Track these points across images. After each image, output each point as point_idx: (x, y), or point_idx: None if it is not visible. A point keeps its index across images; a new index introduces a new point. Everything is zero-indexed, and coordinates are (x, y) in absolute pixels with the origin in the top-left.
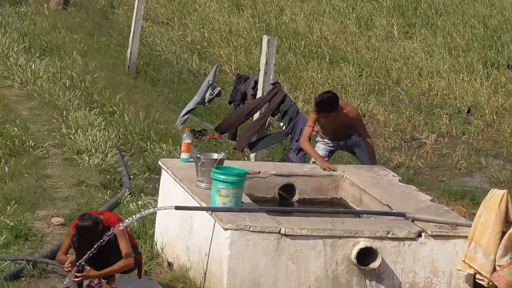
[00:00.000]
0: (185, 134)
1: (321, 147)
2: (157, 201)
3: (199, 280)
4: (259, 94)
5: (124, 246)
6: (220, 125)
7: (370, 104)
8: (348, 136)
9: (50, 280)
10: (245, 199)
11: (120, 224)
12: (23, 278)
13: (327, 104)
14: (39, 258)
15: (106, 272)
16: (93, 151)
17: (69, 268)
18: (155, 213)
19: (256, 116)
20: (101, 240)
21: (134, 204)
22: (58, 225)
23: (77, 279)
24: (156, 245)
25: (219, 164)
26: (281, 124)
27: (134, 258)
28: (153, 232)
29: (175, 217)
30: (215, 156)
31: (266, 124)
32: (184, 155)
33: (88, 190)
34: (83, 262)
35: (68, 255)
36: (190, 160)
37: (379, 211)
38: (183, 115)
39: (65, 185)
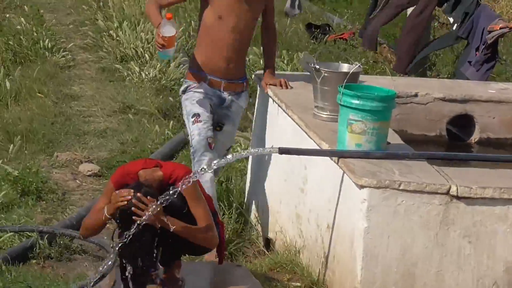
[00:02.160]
0: (163, 21)
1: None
2: (249, 140)
3: (316, 268)
4: None
5: (201, 212)
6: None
7: None
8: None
9: (75, 264)
10: (393, 138)
11: (189, 178)
12: (34, 260)
13: None
14: (59, 228)
15: (188, 229)
16: (147, 58)
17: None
18: (248, 158)
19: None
20: (162, 199)
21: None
22: (89, 175)
23: (145, 212)
24: (247, 211)
25: (351, 81)
26: (451, 19)
27: (217, 236)
28: (243, 190)
29: (278, 165)
30: (345, 67)
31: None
32: (164, 51)
33: (139, 120)
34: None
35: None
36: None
37: None
38: None
39: (101, 111)
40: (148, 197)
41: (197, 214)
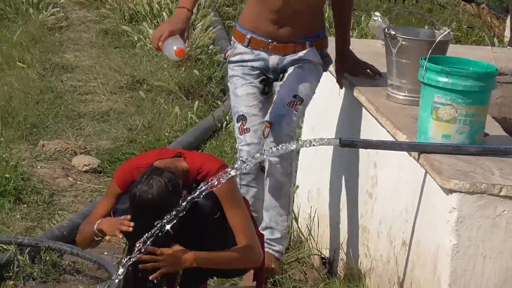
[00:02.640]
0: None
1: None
2: (300, 128)
3: None
4: None
5: (241, 222)
6: None
7: None
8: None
9: (68, 286)
10: (492, 128)
11: (227, 170)
12: (10, 281)
13: None
14: (45, 240)
15: (217, 258)
16: (165, 16)
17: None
18: (298, 151)
19: None
20: (177, 210)
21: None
22: (86, 171)
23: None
24: (296, 220)
25: (437, 52)
26: None
27: (261, 252)
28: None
29: (338, 162)
30: (430, 35)
31: None
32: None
33: (153, 99)
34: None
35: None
36: None
37: None
38: None
39: (103, 87)
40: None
41: (236, 225)
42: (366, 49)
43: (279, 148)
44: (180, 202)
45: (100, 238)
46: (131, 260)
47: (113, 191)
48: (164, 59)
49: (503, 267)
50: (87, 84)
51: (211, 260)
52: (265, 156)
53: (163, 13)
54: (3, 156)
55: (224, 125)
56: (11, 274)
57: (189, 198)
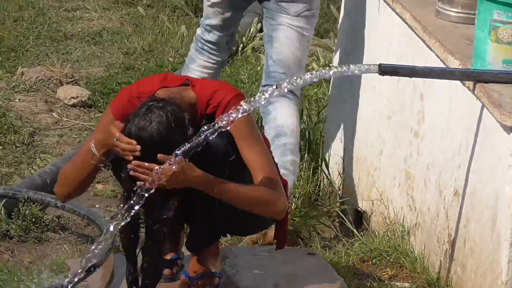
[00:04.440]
0: None
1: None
2: (332, 51)
3: (437, 259)
4: None
5: (259, 161)
6: None
7: None
8: None
9: (49, 247)
10: None
11: (242, 103)
12: None
13: None
14: (24, 190)
15: (230, 189)
16: None
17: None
18: (329, 82)
19: None
20: (190, 143)
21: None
22: (73, 105)
23: (164, 171)
24: (326, 165)
25: None
26: None
27: (284, 198)
28: (320, 132)
29: (377, 94)
30: None
31: None
32: None
33: (154, 16)
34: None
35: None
36: None
37: None
38: None
39: (94, 3)
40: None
41: (253, 162)
42: None
43: (312, 74)
44: (189, 141)
45: (96, 168)
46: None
47: (107, 122)
48: None
49: None
50: None
51: (226, 188)
52: (292, 86)
53: None
54: None
55: (240, 48)
56: None
57: (202, 136)
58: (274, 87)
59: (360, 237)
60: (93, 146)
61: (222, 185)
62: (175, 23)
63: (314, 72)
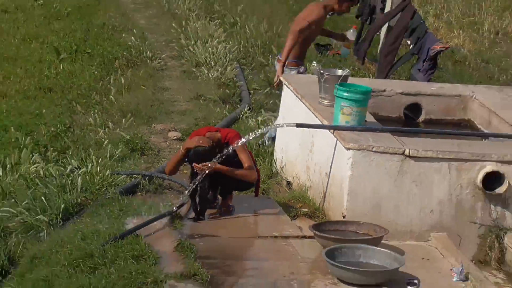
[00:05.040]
0: (351, 31)
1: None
2: (277, 118)
3: (318, 200)
4: (387, 8)
5: (245, 159)
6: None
7: (504, 21)
8: None
9: (165, 196)
10: (369, 118)
11: (239, 140)
12: (139, 193)
13: None
14: (155, 173)
15: (231, 170)
16: (212, 64)
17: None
18: (275, 130)
19: (383, 31)
20: (219, 155)
21: (254, 120)
22: (174, 139)
23: (204, 168)
24: (275, 163)
25: (343, 81)
26: (408, 42)
27: (255, 173)
28: (273, 150)
29: (295, 135)
30: (339, 72)
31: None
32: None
33: (206, 104)
34: (199, 181)
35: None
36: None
37: (508, 134)
38: None
39: (183, 98)
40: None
41: (243, 159)
42: (310, 79)
43: (265, 128)
44: (223, 151)
45: (183, 159)
46: (196, 181)
47: (187, 141)
48: (212, 84)
49: (373, 186)
50: (175, 96)
51: (232, 171)
52: (256, 135)
53: (212, 61)
54: (135, 132)
55: (239, 117)
56: (139, 190)
57: (224, 154)
58: (252, 134)
59: (288, 192)
60: (181, 149)
61: (230, 169)
62: (214, 107)
63: (270, 126)
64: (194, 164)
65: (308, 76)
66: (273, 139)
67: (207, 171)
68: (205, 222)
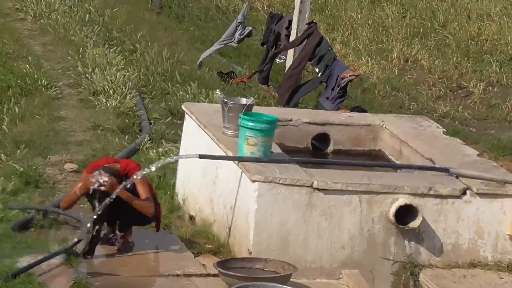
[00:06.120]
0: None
1: None
2: (179, 149)
3: (223, 235)
4: (293, 35)
5: (143, 192)
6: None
7: (413, 48)
8: None
9: (61, 232)
10: (275, 148)
11: (139, 172)
12: (32, 229)
13: None
14: (50, 207)
15: (131, 198)
16: (111, 92)
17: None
18: (177, 161)
19: (289, 58)
20: (120, 186)
21: (154, 151)
22: (71, 171)
23: (104, 182)
24: (177, 196)
25: (247, 110)
26: (317, 70)
27: (153, 207)
28: (174, 182)
29: (198, 166)
30: (244, 101)
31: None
32: None
33: (105, 134)
34: (98, 214)
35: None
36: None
37: (420, 166)
38: (207, 55)
39: (80, 128)
40: (108, 175)
41: (141, 191)
42: (212, 108)
43: (165, 160)
44: (121, 186)
45: (78, 197)
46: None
47: (83, 177)
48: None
49: (280, 219)
50: (71, 126)
51: (132, 196)
52: (154, 168)
53: (110, 90)
54: (29, 164)
55: (139, 148)
56: (32, 225)
57: (124, 186)
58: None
59: (191, 226)
60: (77, 192)
61: (130, 196)
62: (113, 137)
63: (169, 157)
64: (93, 178)
65: (211, 105)
66: None
67: (110, 192)
68: (104, 259)
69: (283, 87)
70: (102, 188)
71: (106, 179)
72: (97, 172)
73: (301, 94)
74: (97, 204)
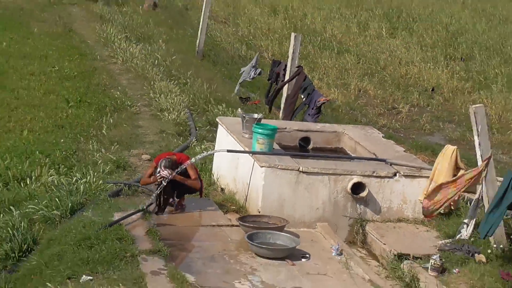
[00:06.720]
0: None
1: None
2: (214, 146)
3: (242, 201)
4: (287, 74)
5: (193, 173)
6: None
7: (364, 83)
8: None
9: (139, 198)
10: (276, 146)
11: (188, 161)
12: (121, 196)
13: None
14: (133, 182)
15: (183, 179)
16: (171, 110)
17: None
18: (213, 154)
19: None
20: (176, 170)
21: (199, 147)
22: (146, 160)
23: (165, 175)
24: (213, 176)
25: (258, 121)
26: (302, 96)
27: (199, 183)
28: (211, 167)
29: (226, 157)
30: (256, 115)
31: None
32: None
33: (167, 137)
34: (164, 184)
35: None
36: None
37: (367, 157)
38: (238, 88)
39: (151, 133)
40: (167, 169)
41: (191, 173)
42: (236, 121)
43: (204, 153)
44: (177, 170)
45: (151, 183)
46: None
47: (152, 165)
48: (168, 124)
49: (279, 191)
50: (146, 131)
51: (184, 178)
52: (196, 159)
53: (170, 108)
54: (120, 155)
55: (189, 145)
56: (121, 194)
57: (179, 169)
58: (198, 157)
59: (222, 195)
60: (152, 180)
61: (183, 178)
62: (175, 139)
63: (208, 152)
64: (159, 171)
65: (234, 118)
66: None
67: (169, 178)
68: (166, 215)
69: (286, 111)
70: (165, 179)
71: (166, 173)
72: (160, 170)
73: (295, 114)
74: (164, 183)
